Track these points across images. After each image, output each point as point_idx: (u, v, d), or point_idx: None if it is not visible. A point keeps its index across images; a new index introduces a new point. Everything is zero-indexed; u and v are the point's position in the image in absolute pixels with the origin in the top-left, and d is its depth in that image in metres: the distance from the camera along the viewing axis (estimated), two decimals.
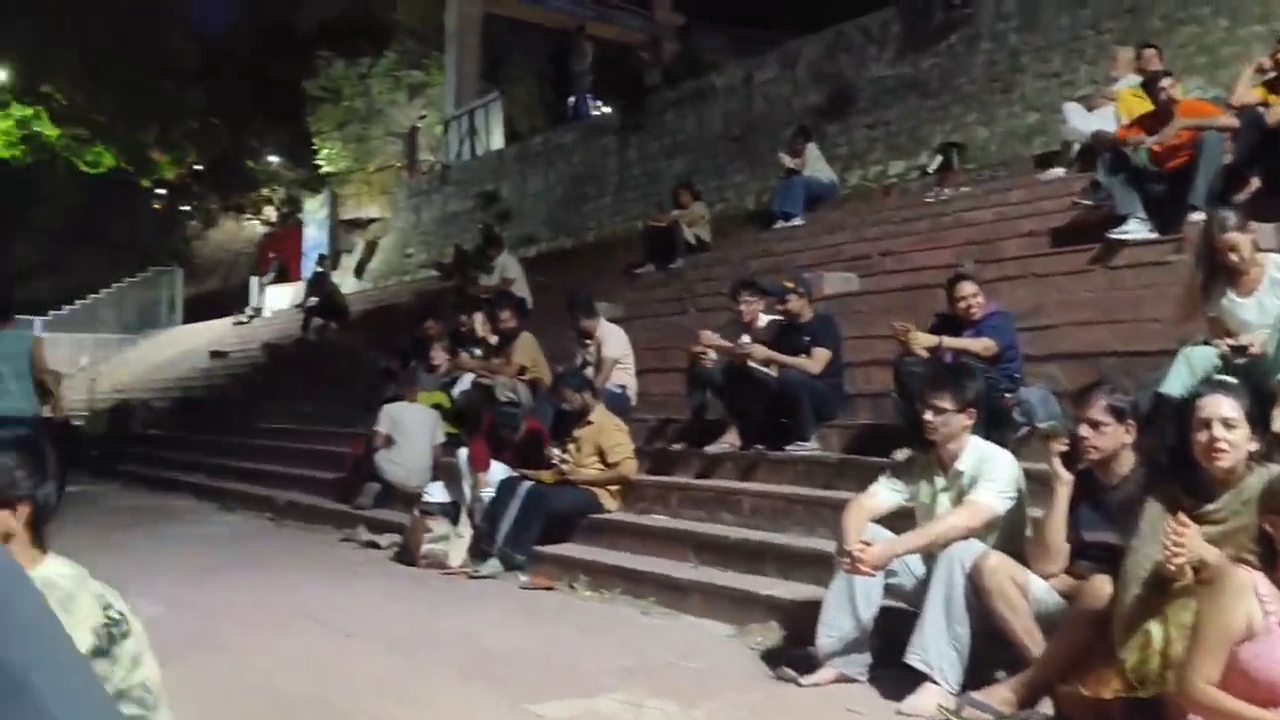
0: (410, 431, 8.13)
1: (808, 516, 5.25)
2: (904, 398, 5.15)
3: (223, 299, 27.33)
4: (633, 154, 15.45)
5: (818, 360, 6.13)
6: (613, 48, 20.52)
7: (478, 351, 9.22)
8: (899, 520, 3.88)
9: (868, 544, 3.57)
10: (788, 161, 11.24)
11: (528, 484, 6.21)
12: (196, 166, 18.24)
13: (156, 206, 29.47)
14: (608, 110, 18.05)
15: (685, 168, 14.07)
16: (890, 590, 3.79)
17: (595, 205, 16.02)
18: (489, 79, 23.31)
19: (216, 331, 22.46)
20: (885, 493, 3.91)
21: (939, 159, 10.82)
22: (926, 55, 11.71)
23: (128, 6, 15.67)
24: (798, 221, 10.92)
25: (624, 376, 7.66)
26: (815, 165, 11.27)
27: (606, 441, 6.30)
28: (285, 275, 23.38)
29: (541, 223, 17.08)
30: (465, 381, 8.80)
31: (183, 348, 21.90)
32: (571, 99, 18.10)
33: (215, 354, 18.16)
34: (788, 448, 6.00)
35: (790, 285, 6.44)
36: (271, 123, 30.96)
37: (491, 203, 18.33)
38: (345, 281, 21.71)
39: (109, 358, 24.90)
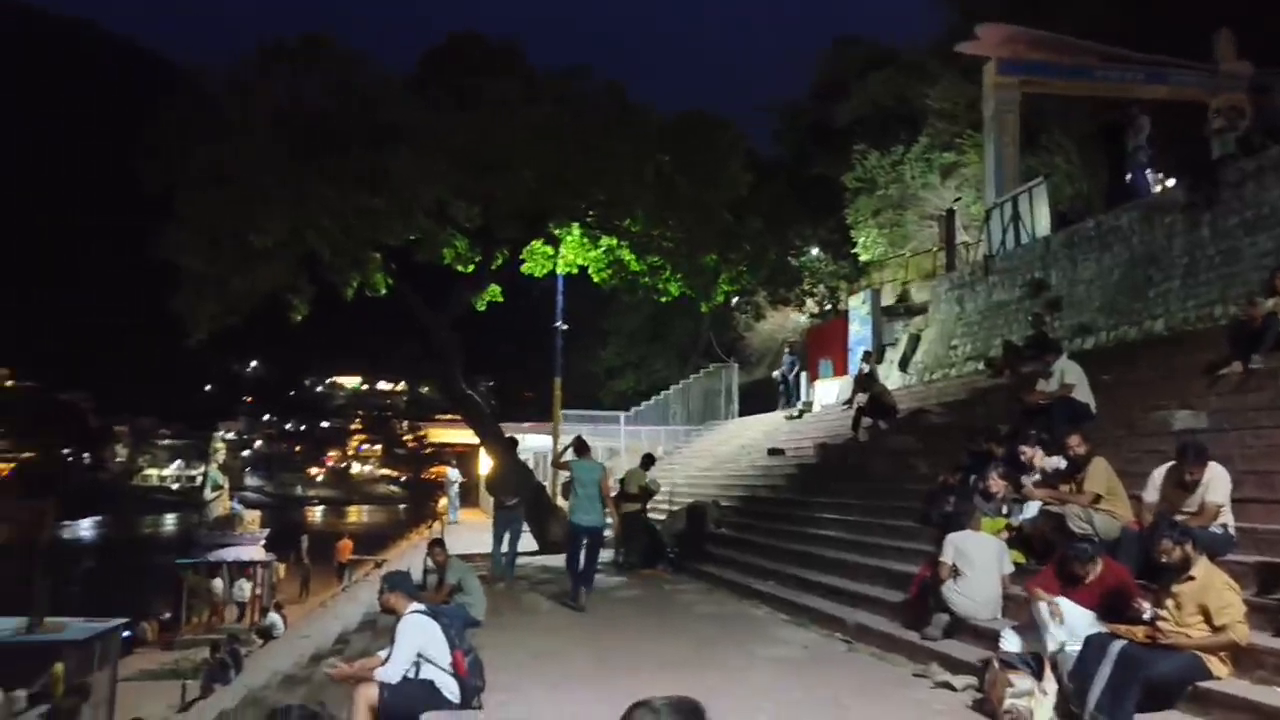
0: (976, 562, 7.98)
1: None
2: None
3: (770, 387, 29.01)
4: (1205, 232, 13.94)
5: None
6: (1172, 112, 18.81)
7: (1039, 475, 8.86)
8: None
9: None
10: None
11: (1119, 643, 5.77)
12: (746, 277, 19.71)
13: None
14: (1169, 184, 16.53)
15: (1273, 245, 12.41)
16: None
17: (1160, 290, 14.66)
18: (1029, 153, 22.59)
19: (768, 425, 23.88)
20: None
21: None
22: None
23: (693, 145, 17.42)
24: None
25: (1224, 514, 6.88)
26: None
27: (1213, 602, 5.66)
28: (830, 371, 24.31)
29: (1096, 310, 16.00)
30: (1031, 508, 8.49)
31: (741, 441, 23.52)
32: (1128, 176, 16.84)
33: (773, 451, 19.23)
34: None
35: None
36: (812, 218, 32.75)
37: (1040, 291, 17.59)
38: (890, 375, 22.03)
39: (679, 448, 27.54)
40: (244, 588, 27.94)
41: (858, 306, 25.45)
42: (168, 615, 26.68)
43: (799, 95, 38.52)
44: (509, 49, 18.08)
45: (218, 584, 27.56)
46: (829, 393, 23.81)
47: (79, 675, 16.67)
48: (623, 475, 16.08)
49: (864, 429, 16.52)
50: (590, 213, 17.97)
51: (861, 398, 17.37)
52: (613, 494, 16.42)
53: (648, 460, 16.29)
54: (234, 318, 16.89)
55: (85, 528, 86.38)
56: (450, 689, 6.10)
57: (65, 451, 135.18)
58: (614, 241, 19.19)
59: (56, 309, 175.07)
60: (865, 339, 23.53)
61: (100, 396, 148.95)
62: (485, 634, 8.90)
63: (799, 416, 23.14)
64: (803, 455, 18.10)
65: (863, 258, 30.96)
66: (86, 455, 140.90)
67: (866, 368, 18.25)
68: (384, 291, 18.56)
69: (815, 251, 33.37)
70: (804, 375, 26.10)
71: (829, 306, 32.45)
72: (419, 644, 6.16)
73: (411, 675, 6.07)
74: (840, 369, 24.72)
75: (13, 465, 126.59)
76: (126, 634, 20.12)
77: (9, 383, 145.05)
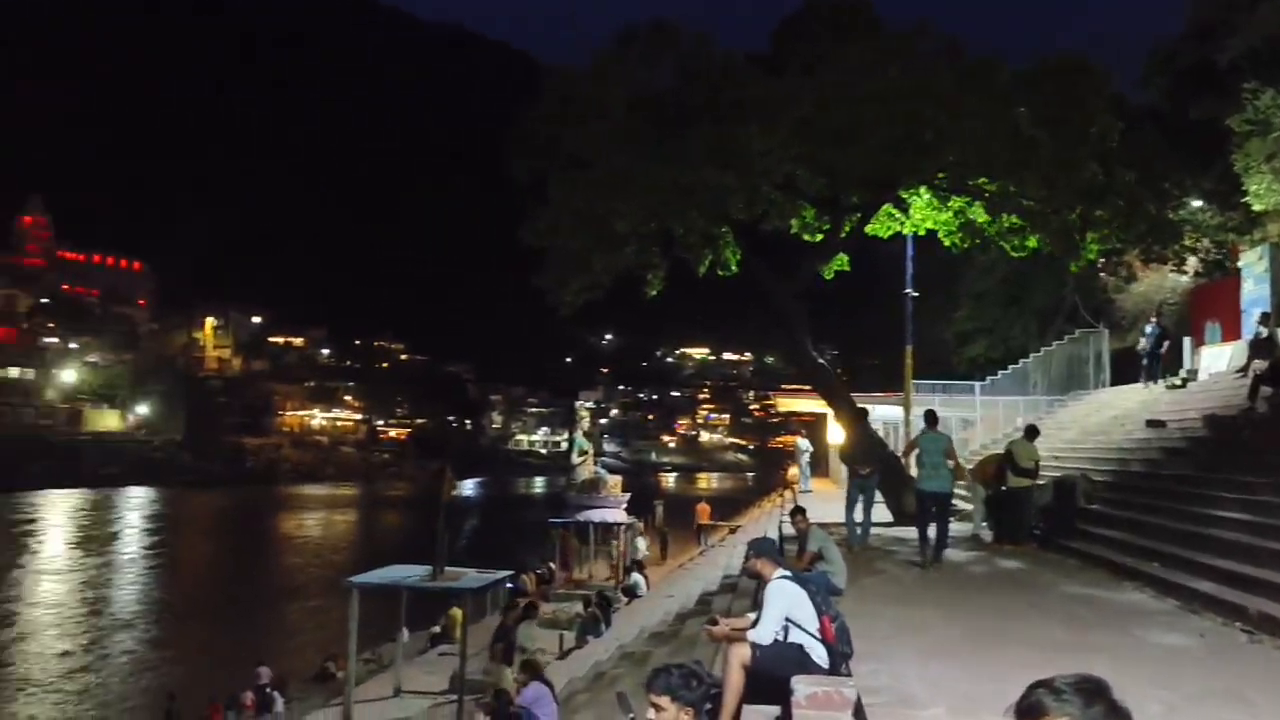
0: None
1: None
2: None
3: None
4: None
5: None
6: None
7: None
8: None
9: None
10: None
11: None
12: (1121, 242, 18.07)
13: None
14: None
15: None
16: None
17: None
18: None
19: (1145, 395, 21.98)
20: None
21: None
22: None
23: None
24: None
25: None
26: None
27: None
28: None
29: None
30: None
31: (1113, 412, 21.84)
32: None
33: (1152, 423, 17.69)
34: None
35: None
36: (1190, 167, 29.54)
37: None
38: None
39: (1040, 419, 26.02)
40: (638, 546, 30.09)
41: (1252, 263, 22.74)
42: (542, 570, 29.05)
43: (1168, 33, 34.82)
44: (856, 11, 17.79)
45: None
46: (1218, 360, 21.51)
47: (473, 620, 18.60)
48: (1007, 448, 15.33)
49: (1263, 399, 14.81)
50: (940, 174, 17.35)
51: (1260, 364, 15.61)
52: (969, 466, 15.96)
53: (1031, 432, 15.40)
54: (595, 293, 18.01)
55: (468, 488, 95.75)
56: (819, 654, 6.21)
57: (450, 418, 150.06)
58: (965, 202, 18.42)
59: (441, 289, 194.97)
60: (1262, 299, 20.97)
61: (479, 368, 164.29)
62: (845, 602, 8.93)
63: (1182, 386, 21.10)
64: (1188, 427, 16.49)
65: (1255, 208, 27.52)
66: (468, 422, 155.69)
67: (1264, 331, 16.30)
68: (735, 269, 18.99)
69: (1196, 203, 30.10)
70: (1186, 341, 23.74)
71: (1215, 263, 29.21)
72: (787, 608, 6.31)
73: (781, 638, 6.24)
74: (1230, 333, 22.24)
75: (409, 431, 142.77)
76: (510, 585, 22.17)
77: (403, 356, 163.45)
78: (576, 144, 16.87)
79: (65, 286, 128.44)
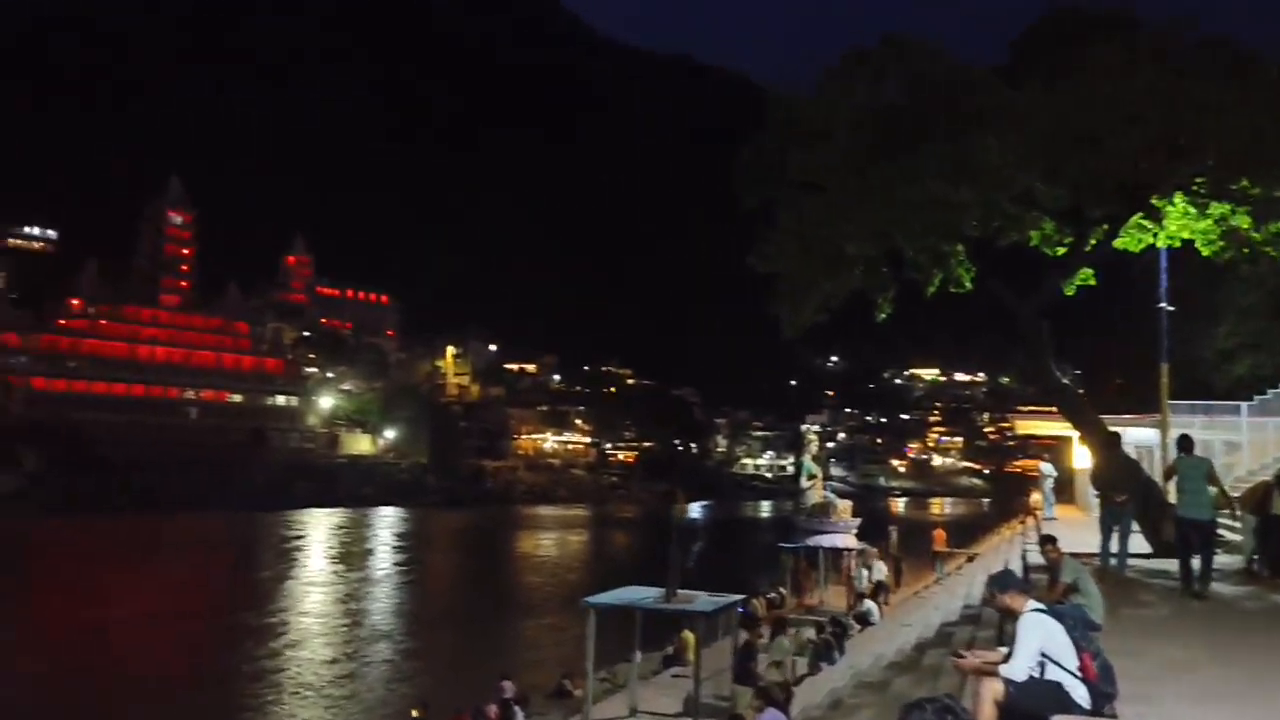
0: None
1: None
2: None
3: None
4: None
5: None
6: None
7: None
8: None
9: None
10: None
11: None
12: None
13: None
14: None
15: None
16: None
17: None
18: None
19: None
20: None
21: None
22: None
23: None
24: None
25: None
26: None
27: None
28: None
29: None
30: None
31: None
32: None
33: None
34: None
35: None
36: None
37: None
38: None
39: None
40: (879, 569, 29.57)
41: None
42: (773, 594, 28.86)
43: None
44: (1113, 17, 16.84)
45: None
46: None
47: (706, 644, 18.68)
48: (1277, 472, 14.12)
49: None
50: (1197, 180, 16.12)
51: None
52: (1236, 494, 14.73)
53: None
54: (822, 316, 17.84)
55: (695, 511, 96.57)
56: (1080, 693, 5.88)
57: (676, 442, 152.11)
58: (1227, 209, 17.01)
59: (668, 315, 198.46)
60: None
61: (704, 392, 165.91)
62: (1104, 638, 8.41)
63: None
64: None
65: None
66: (693, 445, 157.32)
67: None
68: (968, 285, 18.31)
69: None
70: None
71: None
72: (1042, 643, 6.02)
73: (1036, 675, 5.95)
74: None
75: (636, 454, 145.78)
76: (741, 609, 22.15)
77: (630, 381, 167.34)
78: (802, 167, 16.81)
79: (323, 320, 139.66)
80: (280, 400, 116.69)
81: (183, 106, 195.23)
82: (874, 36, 18.16)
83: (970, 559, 31.13)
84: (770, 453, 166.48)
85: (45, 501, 73.75)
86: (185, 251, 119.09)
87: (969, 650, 7.48)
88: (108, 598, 39.16)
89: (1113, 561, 13.24)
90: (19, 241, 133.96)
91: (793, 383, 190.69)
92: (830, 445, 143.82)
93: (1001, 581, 6.57)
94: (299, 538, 66.50)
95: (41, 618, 36.30)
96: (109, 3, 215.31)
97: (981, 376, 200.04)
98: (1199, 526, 11.72)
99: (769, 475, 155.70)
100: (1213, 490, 12.01)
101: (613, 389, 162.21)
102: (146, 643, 32.58)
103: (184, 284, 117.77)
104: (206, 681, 27.31)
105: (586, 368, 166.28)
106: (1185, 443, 12.75)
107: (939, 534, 36.09)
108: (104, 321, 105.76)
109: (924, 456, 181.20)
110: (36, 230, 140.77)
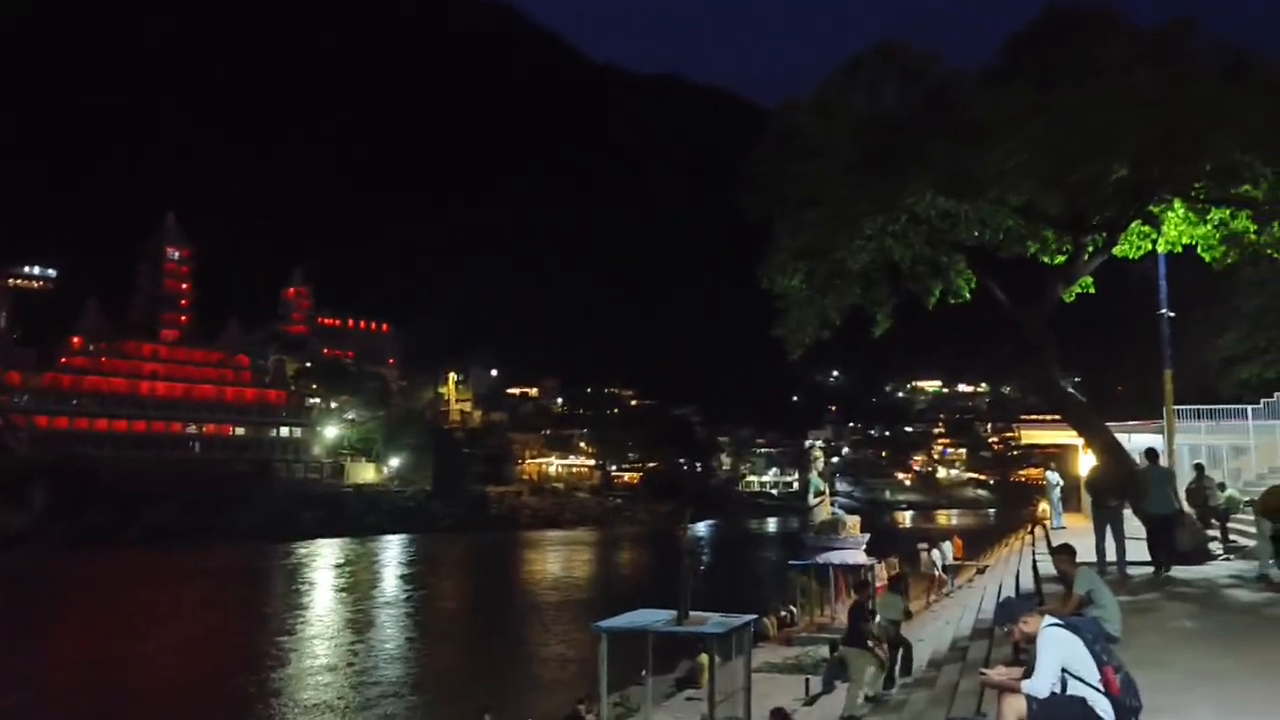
0: None
1: None
2: None
3: None
4: None
5: None
6: None
7: None
8: None
9: None
10: None
11: None
12: None
13: None
14: None
15: None
16: None
17: None
18: None
19: None
20: None
21: None
22: None
23: None
24: None
25: None
26: None
27: None
28: None
29: None
30: None
31: None
32: None
33: None
34: None
35: None
36: None
37: None
38: None
39: None
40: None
41: None
42: (784, 612, 28.67)
43: None
44: (1101, 18, 16.80)
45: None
46: None
47: (720, 665, 18.50)
48: None
49: None
50: (1196, 184, 16.08)
51: None
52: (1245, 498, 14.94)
53: None
54: (824, 332, 17.80)
55: (701, 529, 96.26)
56: (1103, 708, 5.78)
57: (679, 461, 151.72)
58: (1227, 214, 16.96)
59: (666, 335, 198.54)
60: None
61: (706, 410, 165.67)
62: (1120, 649, 8.31)
63: None
64: None
65: None
66: (697, 464, 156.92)
67: None
68: (968, 296, 18.26)
69: None
70: None
71: None
72: (1061, 657, 5.92)
73: (1058, 690, 5.86)
74: None
75: (641, 475, 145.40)
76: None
77: (633, 402, 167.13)
78: (799, 180, 16.78)
79: (325, 350, 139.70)
80: (284, 431, 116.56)
81: (181, 151, 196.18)
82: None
83: (980, 570, 30.94)
84: (774, 469, 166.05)
85: (62, 537, 73.76)
86: (184, 286, 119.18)
87: (988, 669, 7.38)
88: (132, 631, 39.71)
89: (1109, 564, 13.80)
90: (19, 281, 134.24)
91: (795, 398, 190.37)
92: (834, 460, 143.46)
93: (1009, 612, 6.46)
94: (307, 567, 66.43)
95: (74, 652, 36.81)
96: (105, 42, 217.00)
97: (984, 387, 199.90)
98: (1162, 519, 14.31)
99: (774, 492, 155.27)
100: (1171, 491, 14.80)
101: (615, 410, 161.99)
102: (175, 671, 33.40)
103: (183, 319, 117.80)
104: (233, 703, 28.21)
105: (589, 389, 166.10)
106: (1152, 455, 15.38)
107: (957, 543, 35.80)
108: (105, 359, 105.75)
109: (929, 469, 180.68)
110: (37, 269, 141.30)
